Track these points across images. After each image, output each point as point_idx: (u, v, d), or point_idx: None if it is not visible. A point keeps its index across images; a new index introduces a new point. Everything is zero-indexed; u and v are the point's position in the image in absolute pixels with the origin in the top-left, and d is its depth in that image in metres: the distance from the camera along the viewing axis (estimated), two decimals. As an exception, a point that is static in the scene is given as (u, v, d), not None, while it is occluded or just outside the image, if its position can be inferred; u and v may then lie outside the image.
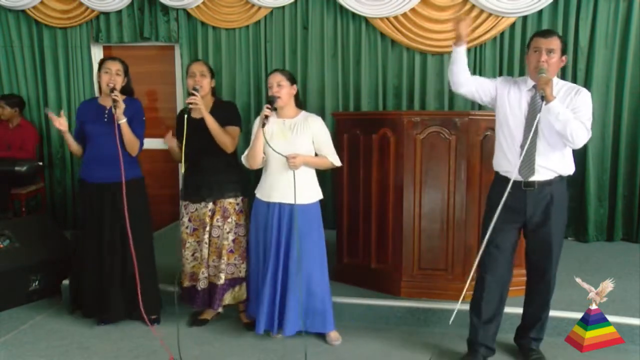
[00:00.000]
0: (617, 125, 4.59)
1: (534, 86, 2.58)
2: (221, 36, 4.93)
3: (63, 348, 3.00)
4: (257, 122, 2.99)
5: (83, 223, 3.27)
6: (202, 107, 2.97)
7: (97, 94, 5.06)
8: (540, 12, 4.54)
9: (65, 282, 3.63)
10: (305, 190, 2.95)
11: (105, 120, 3.14)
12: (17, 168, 4.44)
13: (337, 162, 3.03)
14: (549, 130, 2.52)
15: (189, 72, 3.14)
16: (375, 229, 3.48)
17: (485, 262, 2.68)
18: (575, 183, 4.71)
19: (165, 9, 4.94)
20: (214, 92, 3.23)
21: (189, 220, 3.19)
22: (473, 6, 4.57)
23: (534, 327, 2.80)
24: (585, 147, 4.55)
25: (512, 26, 4.59)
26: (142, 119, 3.23)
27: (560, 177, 2.63)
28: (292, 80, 3.00)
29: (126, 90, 3.23)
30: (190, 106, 2.99)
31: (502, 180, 2.64)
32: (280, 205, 2.95)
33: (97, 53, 5.23)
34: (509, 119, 2.63)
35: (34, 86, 5.21)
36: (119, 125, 3.05)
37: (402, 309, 3.27)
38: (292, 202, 2.88)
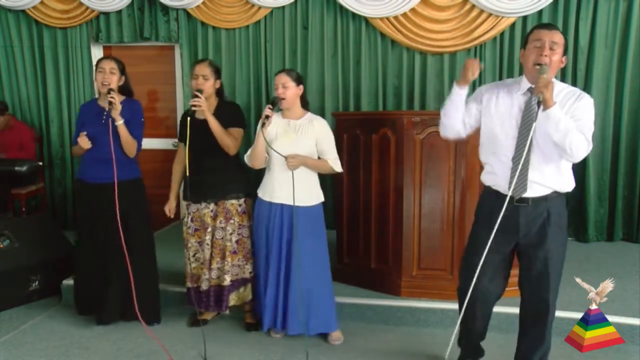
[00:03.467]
0: (617, 125, 4.59)
1: (529, 89, 2.25)
2: (221, 36, 4.93)
3: (63, 348, 3.00)
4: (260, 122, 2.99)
5: (81, 223, 3.26)
6: (205, 109, 2.96)
7: (96, 94, 5.11)
8: (540, 12, 4.54)
9: (66, 282, 3.63)
10: (306, 193, 2.95)
11: (103, 121, 3.12)
12: (17, 168, 4.44)
13: (338, 168, 3.00)
14: (544, 140, 2.20)
15: (193, 73, 3.12)
16: (375, 229, 3.48)
17: (468, 283, 2.37)
18: (576, 183, 4.70)
19: (165, 9, 4.94)
20: (220, 92, 3.20)
21: (192, 221, 3.18)
22: (473, 6, 4.57)
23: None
24: (585, 147, 4.60)
25: (512, 26, 4.59)
26: (140, 120, 3.21)
27: (557, 194, 2.33)
28: (299, 80, 2.99)
29: (125, 90, 3.22)
30: (194, 108, 2.96)
31: (492, 193, 2.39)
32: (283, 206, 2.94)
33: (97, 53, 5.23)
34: (498, 128, 2.32)
35: (34, 86, 5.21)
36: (114, 126, 3.04)
37: (402, 309, 3.27)
38: (293, 203, 2.88)
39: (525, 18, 4.57)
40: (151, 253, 3.30)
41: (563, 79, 4.57)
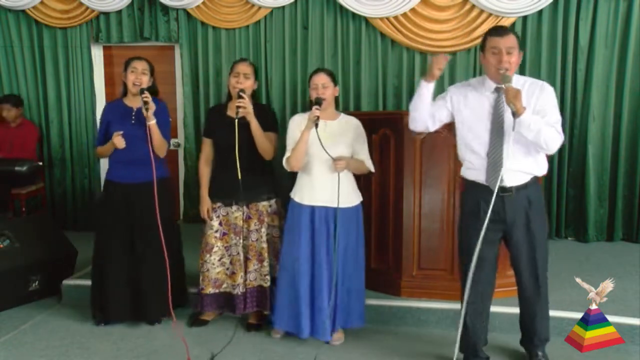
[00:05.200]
0: (617, 125, 4.59)
1: (496, 88, 2.47)
2: (221, 36, 4.93)
3: (63, 348, 3.00)
4: (294, 123, 2.95)
5: (106, 224, 3.19)
6: (250, 111, 2.91)
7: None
8: (540, 12, 4.54)
9: (66, 282, 3.64)
10: (349, 194, 2.93)
11: (133, 122, 3.13)
12: (17, 168, 4.44)
13: (372, 168, 2.99)
14: (520, 136, 2.40)
15: (234, 71, 3.05)
16: (375, 229, 3.48)
17: (467, 276, 2.54)
18: (575, 183, 4.72)
19: (165, 9, 4.94)
20: (254, 94, 3.15)
21: (220, 224, 3.11)
22: (473, 6, 4.57)
23: (533, 328, 2.69)
24: (585, 147, 4.61)
25: (512, 26, 4.59)
26: (168, 119, 3.22)
27: (536, 178, 2.54)
28: (335, 81, 2.95)
29: (151, 91, 3.21)
30: (240, 110, 2.89)
31: (474, 185, 2.55)
32: (327, 209, 2.89)
33: (97, 53, 5.24)
34: (472, 126, 2.51)
35: (34, 86, 5.21)
36: (148, 126, 3.04)
37: (402, 309, 3.27)
38: (336, 205, 2.83)
39: (525, 18, 4.57)
40: (177, 252, 3.29)
41: (563, 78, 4.59)
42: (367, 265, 3.51)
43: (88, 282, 3.50)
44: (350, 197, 2.94)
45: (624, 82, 4.52)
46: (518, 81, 2.49)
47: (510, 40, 2.43)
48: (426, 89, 2.53)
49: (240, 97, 2.92)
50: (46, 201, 5.22)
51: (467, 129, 2.54)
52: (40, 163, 4.81)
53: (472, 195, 2.58)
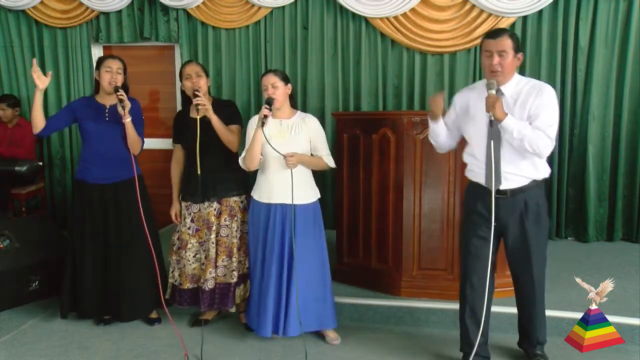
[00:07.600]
0: (617, 125, 4.59)
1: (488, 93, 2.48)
2: (221, 36, 4.93)
3: (63, 348, 3.00)
4: (251, 123, 2.99)
5: (82, 224, 3.20)
6: (209, 107, 2.98)
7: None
8: (540, 12, 4.54)
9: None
10: (304, 190, 2.96)
11: (107, 119, 3.13)
12: (17, 168, 4.44)
13: (332, 164, 3.03)
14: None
15: (184, 74, 3.14)
16: (375, 229, 3.48)
17: (466, 273, 2.63)
18: (575, 183, 4.71)
19: (165, 9, 4.94)
20: (209, 91, 3.26)
21: (192, 221, 3.16)
22: (473, 6, 4.57)
23: (530, 330, 2.72)
24: (585, 147, 4.60)
25: (512, 26, 4.59)
26: (142, 118, 3.23)
27: (535, 182, 2.52)
28: (286, 79, 2.99)
29: (124, 89, 3.22)
30: (199, 107, 2.97)
31: (475, 186, 2.60)
32: (282, 206, 2.93)
33: (97, 53, 5.23)
34: (471, 128, 2.54)
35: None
36: (123, 123, 3.04)
37: (402, 309, 3.27)
38: (291, 202, 2.88)
39: (525, 18, 4.57)
40: (156, 250, 3.27)
41: (563, 78, 4.58)
42: (367, 265, 3.54)
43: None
44: (306, 193, 2.97)
45: (624, 82, 4.51)
46: (519, 83, 2.49)
47: (501, 43, 2.41)
48: (435, 126, 2.63)
49: (196, 95, 2.98)
50: (46, 201, 5.22)
51: (467, 133, 2.58)
52: (40, 163, 4.81)
53: (471, 195, 2.63)
